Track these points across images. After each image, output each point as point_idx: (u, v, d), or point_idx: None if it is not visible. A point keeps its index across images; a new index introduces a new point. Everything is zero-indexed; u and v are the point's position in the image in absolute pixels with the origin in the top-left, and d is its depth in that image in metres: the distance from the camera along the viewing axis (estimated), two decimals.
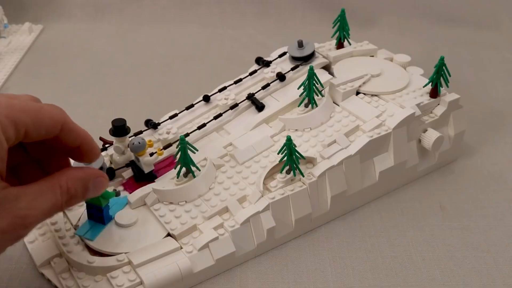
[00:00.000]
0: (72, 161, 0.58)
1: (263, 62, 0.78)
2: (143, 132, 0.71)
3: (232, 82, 0.77)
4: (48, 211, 0.48)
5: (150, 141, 0.66)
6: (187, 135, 0.70)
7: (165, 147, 0.68)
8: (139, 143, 0.63)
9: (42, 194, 0.48)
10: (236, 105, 0.73)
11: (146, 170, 0.65)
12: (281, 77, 0.75)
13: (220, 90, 0.76)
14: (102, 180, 0.53)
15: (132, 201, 0.63)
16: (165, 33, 1.12)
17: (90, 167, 0.54)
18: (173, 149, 0.68)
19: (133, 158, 0.67)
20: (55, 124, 0.50)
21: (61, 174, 0.50)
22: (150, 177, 0.66)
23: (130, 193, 0.64)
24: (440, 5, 1.17)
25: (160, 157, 0.67)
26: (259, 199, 0.62)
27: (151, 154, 0.65)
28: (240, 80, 0.77)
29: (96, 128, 0.81)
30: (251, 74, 0.77)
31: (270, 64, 0.78)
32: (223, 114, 0.72)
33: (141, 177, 0.66)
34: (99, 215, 0.60)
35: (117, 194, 0.63)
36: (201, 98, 0.75)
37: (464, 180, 0.75)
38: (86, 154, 0.53)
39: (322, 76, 0.75)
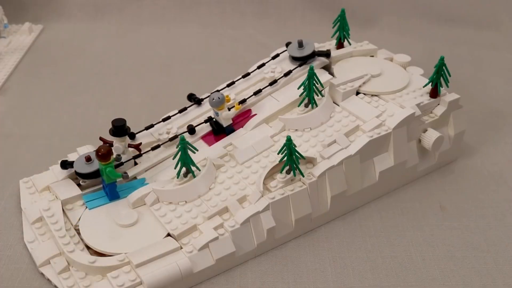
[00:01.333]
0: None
1: (194, 100, 0.75)
2: (141, 132, 0.71)
3: (225, 85, 0.77)
4: None
5: (227, 96, 0.71)
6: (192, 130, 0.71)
7: (241, 102, 0.72)
8: (219, 98, 0.68)
9: None
10: (244, 100, 0.73)
11: (225, 124, 0.70)
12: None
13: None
14: None
15: (132, 201, 0.63)
16: (165, 33, 1.12)
17: None
18: (249, 103, 0.73)
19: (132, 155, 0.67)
20: None
21: None
22: (228, 131, 0.70)
23: (210, 146, 0.70)
24: (440, 5, 1.17)
25: (237, 111, 0.71)
26: (259, 199, 0.62)
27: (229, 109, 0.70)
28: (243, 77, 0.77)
29: (96, 128, 0.82)
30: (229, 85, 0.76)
31: (202, 103, 0.74)
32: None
33: (220, 131, 0.71)
34: (105, 190, 0.62)
35: (124, 176, 0.63)
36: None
37: (464, 180, 0.75)
38: None
39: (322, 76, 0.75)
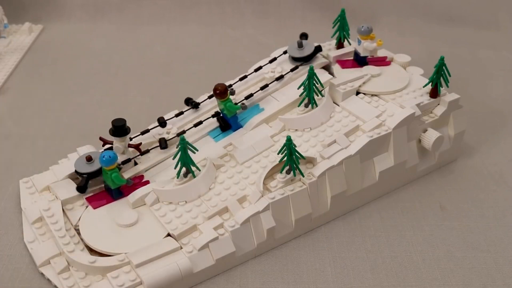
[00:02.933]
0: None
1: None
2: (149, 132, 0.71)
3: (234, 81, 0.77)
4: None
5: (373, 34, 0.75)
6: (183, 132, 0.70)
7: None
8: (368, 27, 0.74)
9: None
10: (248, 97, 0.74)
11: (363, 54, 0.76)
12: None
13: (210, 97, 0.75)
14: None
15: (132, 201, 0.64)
16: (165, 33, 1.12)
17: None
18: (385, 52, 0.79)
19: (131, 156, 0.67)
20: None
21: None
22: (363, 62, 0.76)
23: (342, 68, 0.76)
24: (440, 5, 1.17)
25: (379, 47, 0.75)
26: (259, 199, 0.62)
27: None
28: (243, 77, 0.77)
29: (96, 128, 0.82)
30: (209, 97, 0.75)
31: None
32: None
33: (361, 62, 0.76)
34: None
35: (243, 107, 0.70)
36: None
37: (464, 180, 0.75)
38: None
39: (322, 76, 0.75)
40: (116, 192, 0.65)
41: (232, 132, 0.71)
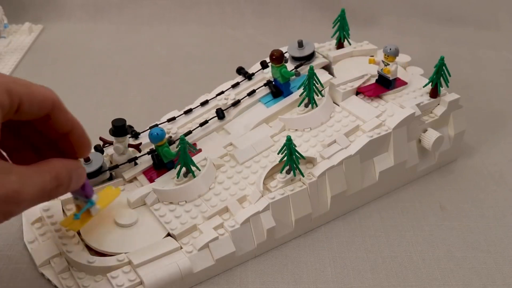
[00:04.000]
0: None
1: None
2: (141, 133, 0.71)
3: (229, 86, 0.77)
4: (38, 193, 0.46)
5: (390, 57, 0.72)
6: (189, 132, 0.70)
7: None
8: (396, 49, 0.71)
9: (33, 174, 0.46)
10: (238, 101, 0.73)
11: (391, 77, 0.72)
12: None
13: (218, 94, 0.76)
14: (82, 172, 0.53)
15: (132, 201, 0.63)
16: (165, 33, 1.12)
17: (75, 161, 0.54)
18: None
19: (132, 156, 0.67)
20: (46, 100, 0.49)
21: (50, 161, 0.49)
22: (388, 84, 0.72)
23: (373, 95, 0.71)
24: (440, 5, 1.17)
25: (398, 75, 0.73)
26: (259, 199, 0.62)
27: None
28: (238, 83, 0.77)
29: (96, 128, 0.81)
30: (233, 86, 0.77)
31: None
32: (224, 111, 0.73)
33: (384, 83, 0.73)
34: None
35: (296, 74, 0.72)
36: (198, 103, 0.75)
37: (464, 180, 0.75)
38: (77, 143, 0.52)
39: (322, 76, 0.75)
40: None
41: (283, 99, 0.74)
